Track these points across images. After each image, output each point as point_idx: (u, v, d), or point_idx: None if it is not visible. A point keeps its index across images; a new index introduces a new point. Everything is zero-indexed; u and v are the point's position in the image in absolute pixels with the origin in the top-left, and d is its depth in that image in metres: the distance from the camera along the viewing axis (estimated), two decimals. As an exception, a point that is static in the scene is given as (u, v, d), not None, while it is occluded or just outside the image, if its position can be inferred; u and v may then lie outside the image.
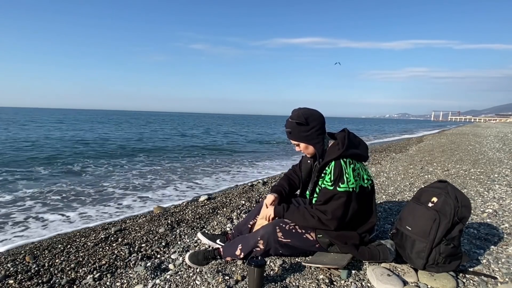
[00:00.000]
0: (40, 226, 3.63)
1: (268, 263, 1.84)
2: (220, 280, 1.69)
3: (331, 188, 1.64)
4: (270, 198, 1.96)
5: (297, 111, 1.77)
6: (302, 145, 1.78)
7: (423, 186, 2.15)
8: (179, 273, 1.87)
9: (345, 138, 1.72)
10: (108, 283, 1.97)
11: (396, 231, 1.80)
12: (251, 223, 2.09)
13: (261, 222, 1.92)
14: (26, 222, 3.75)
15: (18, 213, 4.06)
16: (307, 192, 2.02)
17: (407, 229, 1.71)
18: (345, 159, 1.66)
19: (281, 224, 1.79)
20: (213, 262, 1.91)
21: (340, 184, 1.63)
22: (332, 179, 1.64)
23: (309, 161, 1.97)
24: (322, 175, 1.71)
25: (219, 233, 2.44)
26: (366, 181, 1.72)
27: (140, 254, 2.40)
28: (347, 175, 1.63)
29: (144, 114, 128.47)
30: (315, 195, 1.78)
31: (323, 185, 1.69)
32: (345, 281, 1.66)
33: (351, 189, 1.63)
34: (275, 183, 2.15)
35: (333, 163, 1.66)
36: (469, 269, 1.75)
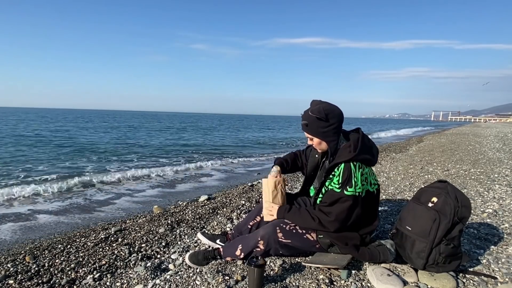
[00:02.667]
0: (38, 225, 3.64)
1: (268, 263, 1.84)
2: (220, 280, 1.69)
3: (338, 191, 1.62)
4: (275, 169, 2.00)
5: (318, 105, 1.71)
6: (316, 140, 1.75)
7: (423, 186, 2.15)
8: (179, 273, 1.87)
9: (358, 141, 1.67)
10: (108, 283, 1.97)
11: (396, 231, 1.81)
12: (251, 223, 2.09)
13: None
14: (23, 221, 3.75)
15: (13, 211, 4.07)
16: (311, 188, 2.01)
17: (407, 229, 1.71)
18: (355, 163, 1.62)
19: (281, 225, 1.79)
20: (213, 262, 1.91)
21: (347, 187, 1.60)
22: (340, 181, 1.62)
23: (316, 155, 1.94)
24: (330, 176, 1.69)
25: (219, 233, 2.44)
26: (372, 186, 1.70)
27: (140, 254, 2.40)
28: (355, 179, 1.60)
29: (143, 114, 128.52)
30: (320, 195, 1.76)
31: (330, 187, 1.67)
32: (345, 281, 1.66)
33: (357, 194, 1.61)
34: (278, 157, 2.19)
35: (342, 165, 1.63)
36: (469, 269, 1.75)
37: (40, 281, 2.10)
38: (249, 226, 2.09)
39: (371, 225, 1.77)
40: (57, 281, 2.09)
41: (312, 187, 2.01)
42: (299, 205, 2.06)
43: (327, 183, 1.71)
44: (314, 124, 1.70)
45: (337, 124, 1.71)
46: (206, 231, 2.76)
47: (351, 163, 1.62)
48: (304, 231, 1.78)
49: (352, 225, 1.71)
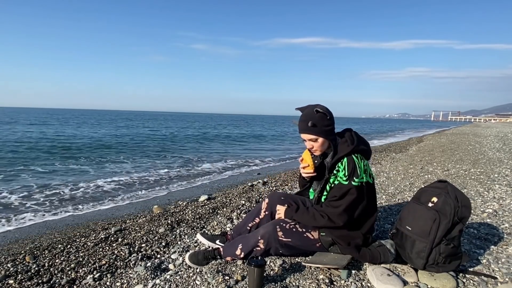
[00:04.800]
0: (38, 225, 3.64)
1: (268, 263, 1.84)
2: (220, 280, 1.69)
3: (346, 183, 1.66)
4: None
5: (316, 105, 1.73)
6: (321, 140, 1.72)
7: (423, 186, 2.15)
8: (179, 273, 1.87)
9: (352, 135, 1.76)
10: (108, 283, 1.97)
11: (396, 231, 1.81)
12: (250, 225, 2.08)
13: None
14: (22, 221, 3.76)
15: (13, 211, 4.07)
16: (311, 191, 2.02)
17: (407, 229, 1.72)
18: (356, 154, 1.69)
19: (281, 224, 1.79)
20: (213, 262, 1.91)
21: (354, 178, 1.65)
22: (346, 174, 1.66)
23: (315, 161, 1.96)
24: (334, 172, 1.72)
25: (219, 233, 2.43)
26: (371, 178, 1.75)
27: (140, 254, 2.40)
28: (359, 170, 1.66)
29: (143, 114, 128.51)
30: (325, 193, 1.78)
31: (336, 182, 1.70)
32: (345, 281, 1.66)
33: (359, 184, 1.66)
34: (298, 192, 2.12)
35: (345, 159, 1.68)
36: (469, 269, 1.75)
37: (40, 281, 2.10)
38: (248, 228, 2.08)
39: (371, 219, 1.79)
40: (57, 281, 2.09)
41: (311, 190, 2.01)
42: (298, 205, 2.05)
43: (331, 180, 1.73)
44: (320, 123, 1.70)
45: (334, 123, 1.78)
46: (206, 232, 2.76)
47: (353, 155, 1.68)
48: (304, 230, 1.78)
49: (356, 219, 1.73)
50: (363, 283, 1.64)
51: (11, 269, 2.29)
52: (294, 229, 1.78)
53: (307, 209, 1.82)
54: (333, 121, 1.76)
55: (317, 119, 1.70)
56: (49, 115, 59.48)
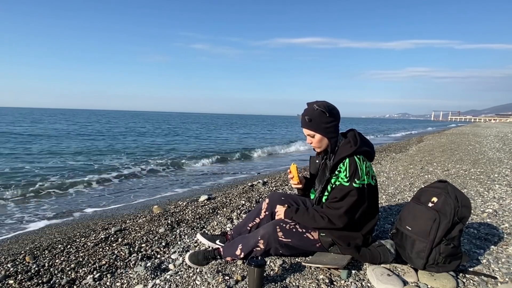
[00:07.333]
0: (38, 225, 3.64)
1: (268, 263, 1.84)
2: (220, 280, 1.69)
3: (347, 184, 1.65)
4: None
5: (319, 102, 1.73)
6: (318, 137, 1.75)
7: (423, 186, 2.15)
8: (179, 273, 1.87)
9: (356, 136, 1.75)
10: (108, 283, 1.97)
11: (396, 231, 1.81)
12: (250, 225, 2.08)
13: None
14: (22, 221, 3.76)
15: (13, 211, 4.07)
16: (312, 191, 2.02)
17: (407, 229, 1.72)
18: (358, 156, 1.68)
19: (281, 224, 1.79)
20: (213, 262, 1.91)
21: (356, 180, 1.64)
22: (347, 175, 1.65)
23: (317, 161, 1.96)
24: (336, 172, 1.71)
25: (219, 233, 2.44)
26: (373, 180, 1.74)
27: (140, 254, 2.40)
28: (361, 171, 1.65)
29: (144, 114, 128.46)
30: (326, 193, 1.78)
31: (337, 183, 1.69)
32: (345, 281, 1.66)
33: (361, 185, 1.65)
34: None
35: (347, 159, 1.67)
36: (469, 269, 1.75)
37: (40, 281, 2.10)
38: (249, 228, 2.08)
39: (372, 221, 1.78)
40: (57, 281, 2.09)
41: (312, 190, 2.02)
42: (298, 205, 2.06)
43: (333, 180, 1.73)
44: (318, 119, 1.71)
45: (337, 121, 1.76)
46: (206, 232, 2.76)
47: (355, 156, 1.67)
48: (304, 230, 1.78)
49: (356, 220, 1.73)
50: (363, 283, 1.64)
51: (11, 269, 2.29)
52: (294, 230, 1.78)
53: (307, 209, 1.82)
54: (336, 120, 1.74)
55: (315, 115, 1.71)
56: (44, 115, 59.48)
